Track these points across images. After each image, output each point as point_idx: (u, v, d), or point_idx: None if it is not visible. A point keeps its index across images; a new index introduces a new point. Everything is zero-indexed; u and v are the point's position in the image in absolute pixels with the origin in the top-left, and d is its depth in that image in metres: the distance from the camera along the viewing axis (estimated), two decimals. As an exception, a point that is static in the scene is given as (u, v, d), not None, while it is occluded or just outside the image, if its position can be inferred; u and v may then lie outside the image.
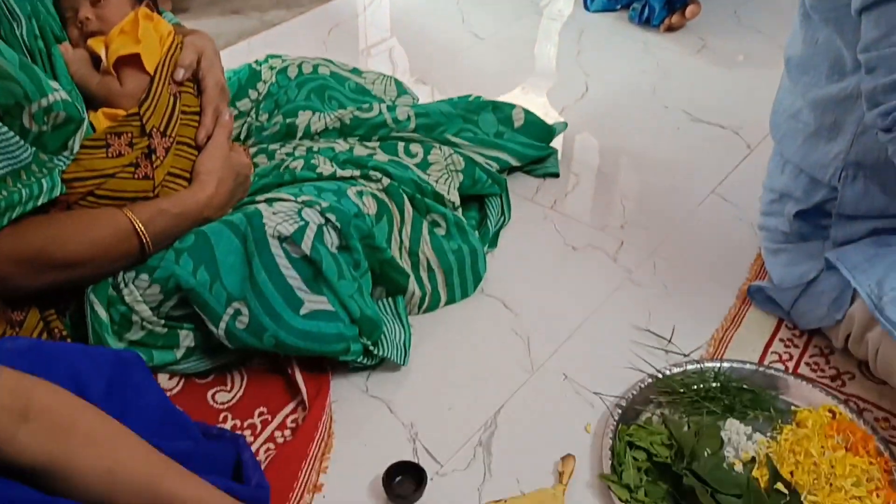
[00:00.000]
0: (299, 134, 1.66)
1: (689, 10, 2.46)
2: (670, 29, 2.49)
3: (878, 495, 1.20)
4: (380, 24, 2.62)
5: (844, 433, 1.28)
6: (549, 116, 2.10)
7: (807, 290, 1.47)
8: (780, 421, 1.33)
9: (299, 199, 1.37)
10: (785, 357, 1.47)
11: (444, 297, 1.57)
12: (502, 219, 1.76)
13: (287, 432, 1.33)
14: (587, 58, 2.40)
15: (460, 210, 1.66)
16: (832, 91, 1.34)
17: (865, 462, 1.23)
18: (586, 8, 2.64)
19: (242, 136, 1.72)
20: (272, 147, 1.65)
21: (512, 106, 1.88)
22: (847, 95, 1.31)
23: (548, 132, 1.91)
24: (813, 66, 1.38)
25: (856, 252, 1.36)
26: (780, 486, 1.20)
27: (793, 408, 1.35)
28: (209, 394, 1.38)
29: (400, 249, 1.51)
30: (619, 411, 1.34)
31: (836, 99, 1.34)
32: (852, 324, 1.38)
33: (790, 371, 1.44)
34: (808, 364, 1.46)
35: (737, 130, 2.06)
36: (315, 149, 1.62)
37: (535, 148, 1.87)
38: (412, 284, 1.50)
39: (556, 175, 1.91)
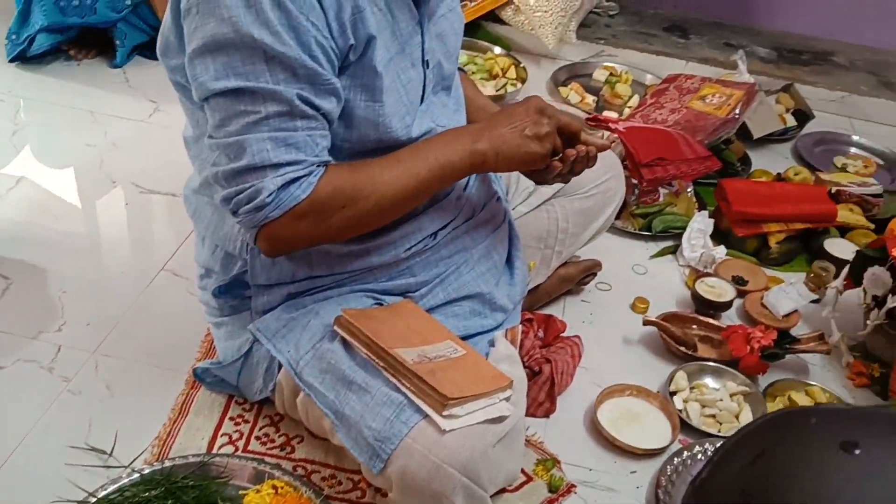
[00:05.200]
0: None
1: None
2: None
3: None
4: None
5: (283, 508, 1.27)
6: (-24, 213, 1.86)
7: (246, 363, 1.45)
8: (230, 511, 1.28)
9: None
10: (235, 437, 1.44)
11: None
12: None
13: None
14: (25, 136, 2.17)
15: None
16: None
17: (303, 535, 1.24)
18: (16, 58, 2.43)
19: None
20: None
21: None
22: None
23: (-41, 237, 1.68)
24: (203, 143, 1.36)
25: (274, 320, 1.37)
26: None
27: (240, 492, 1.32)
28: None
29: None
30: (45, 558, 1.19)
31: (228, 175, 1.33)
32: (283, 390, 1.38)
33: (240, 451, 1.41)
34: (258, 438, 1.44)
35: (190, 196, 2.01)
36: None
37: (-56, 258, 1.63)
38: None
39: (-19, 283, 1.68)
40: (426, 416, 1.19)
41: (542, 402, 1.56)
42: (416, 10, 1.27)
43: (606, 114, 2.53)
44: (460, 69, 1.60)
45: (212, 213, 1.41)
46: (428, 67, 1.33)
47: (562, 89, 2.63)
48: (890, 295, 1.62)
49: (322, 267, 1.37)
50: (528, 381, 1.56)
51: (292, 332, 1.34)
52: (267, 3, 1.09)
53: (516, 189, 1.71)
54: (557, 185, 1.70)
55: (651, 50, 2.86)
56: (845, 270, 1.76)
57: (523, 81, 2.63)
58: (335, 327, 1.30)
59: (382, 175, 1.23)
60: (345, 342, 1.29)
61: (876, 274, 1.66)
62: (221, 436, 1.43)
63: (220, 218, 1.39)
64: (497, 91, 2.56)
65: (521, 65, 2.69)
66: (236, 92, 1.12)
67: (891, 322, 1.63)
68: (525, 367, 1.58)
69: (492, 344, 1.44)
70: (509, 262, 1.57)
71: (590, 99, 2.60)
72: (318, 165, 1.18)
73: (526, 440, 1.49)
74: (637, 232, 2.06)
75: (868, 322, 1.68)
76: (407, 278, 1.42)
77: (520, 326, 1.49)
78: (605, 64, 2.78)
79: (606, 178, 1.75)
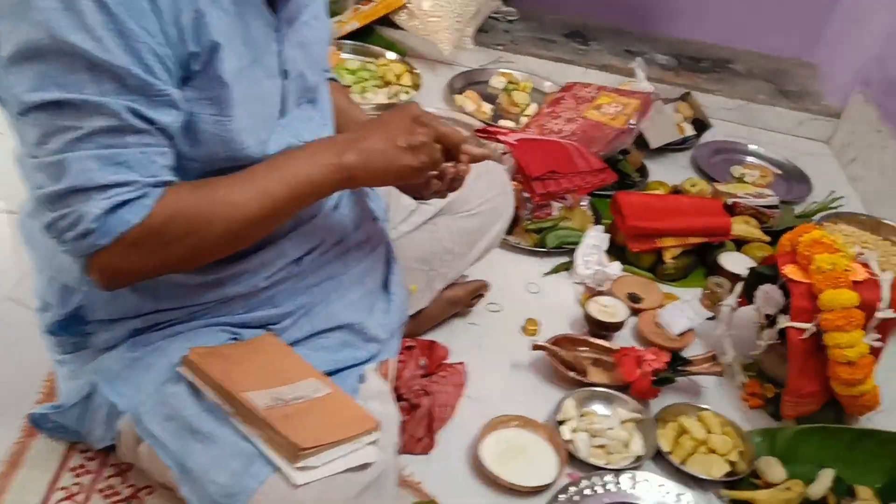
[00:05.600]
0: None
1: None
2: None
3: None
4: None
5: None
6: None
7: (87, 407, 1.29)
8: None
9: None
10: (74, 490, 1.28)
11: None
12: None
13: None
14: None
15: None
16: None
17: None
18: None
19: None
20: None
21: None
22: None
23: None
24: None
25: (115, 359, 1.22)
26: None
27: (73, 557, 1.17)
28: None
29: None
30: None
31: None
32: (126, 438, 1.24)
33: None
34: (101, 490, 1.29)
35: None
36: None
37: None
38: None
39: None
40: (278, 468, 1.07)
41: (421, 437, 1.45)
42: (273, 15, 1.15)
43: (502, 123, 2.45)
44: (333, 79, 1.49)
45: (46, 241, 1.25)
46: (287, 78, 1.21)
47: (457, 97, 2.54)
48: (780, 314, 1.57)
49: (170, 299, 1.23)
50: (406, 415, 1.46)
51: (135, 372, 1.20)
52: (88, 5, 0.95)
53: (397, 207, 1.60)
54: (441, 202, 1.61)
55: (551, 56, 2.80)
56: (738, 288, 1.71)
57: (417, 88, 2.53)
58: (180, 369, 1.17)
59: (231, 195, 1.10)
60: (192, 385, 1.16)
61: (768, 292, 1.61)
62: (58, 490, 1.28)
63: (56, 246, 1.24)
64: (389, 99, 2.44)
65: (416, 71, 2.59)
66: (57, 105, 0.98)
67: (783, 342, 1.58)
68: (403, 399, 1.48)
69: (362, 379, 1.32)
70: (386, 287, 1.46)
71: (486, 107, 2.51)
72: (155, 186, 1.04)
73: (402, 481, 1.38)
74: (531, 248, 1.98)
75: (760, 342, 1.63)
76: (268, 309, 1.29)
77: (394, 359, 1.37)
78: (503, 71, 2.70)
79: (493, 194, 1.66)
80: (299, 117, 1.27)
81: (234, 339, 1.27)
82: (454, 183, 1.29)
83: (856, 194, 2.48)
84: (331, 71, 1.50)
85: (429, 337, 1.67)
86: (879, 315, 1.51)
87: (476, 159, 1.28)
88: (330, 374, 1.30)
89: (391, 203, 1.59)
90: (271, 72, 1.18)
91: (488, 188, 1.65)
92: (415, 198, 1.35)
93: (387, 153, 1.17)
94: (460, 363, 1.60)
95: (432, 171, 1.23)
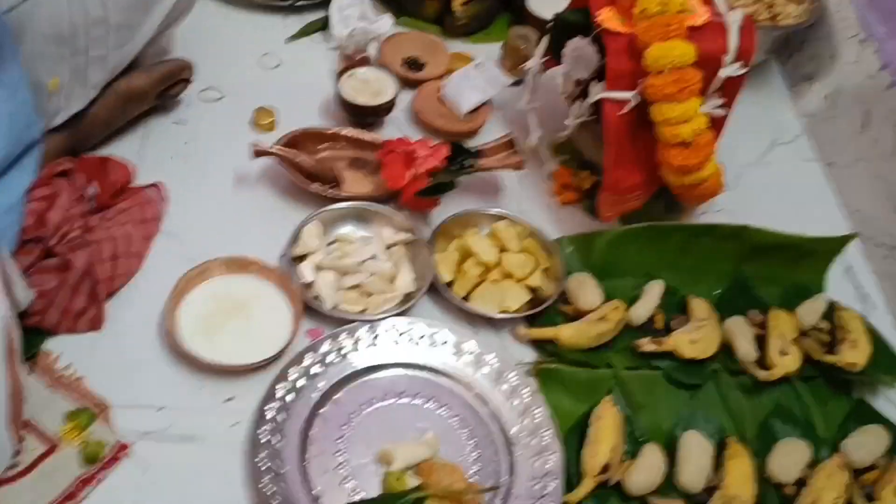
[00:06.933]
0: None
1: None
2: None
3: None
4: None
5: None
6: None
7: None
8: None
9: None
10: None
11: None
12: None
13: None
14: None
15: None
16: None
17: None
18: None
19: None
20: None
21: None
22: None
23: None
24: None
25: None
26: None
27: None
28: None
29: None
30: None
31: None
32: None
33: None
34: None
35: None
36: None
37: None
38: None
39: None
40: None
41: (83, 309, 0.98)
42: None
43: None
44: None
45: None
46: None
47: None
48: (594, 81, 1.13)
49: None
50: (57, 279, 0.98)
51: None
52: None
53: (8, -44, 1.00)
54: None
55: None
56: (543, 43, 1.25)
57: None
58: None
59: None
60: None
61: (578, 48, 1.15)
62: None
63: None
64: None
65: None
66: None
67: (599, 118, 1.16)
68: (55, 255, 1.00)
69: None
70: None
71: None
72: None
73: (55, 380, 0.94)
74: (268, 3, 1.42)
75: (569, 120, 1.20)
76: None
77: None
78: None
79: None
80: None
81: None
82: None
83: None
84: None
85: (103, 151, 1.15)
86: (724, 73, 1.10)
87: None
88: None
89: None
90: None
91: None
92: None
93: None
94: (154, 185, 1.11)
95: None
